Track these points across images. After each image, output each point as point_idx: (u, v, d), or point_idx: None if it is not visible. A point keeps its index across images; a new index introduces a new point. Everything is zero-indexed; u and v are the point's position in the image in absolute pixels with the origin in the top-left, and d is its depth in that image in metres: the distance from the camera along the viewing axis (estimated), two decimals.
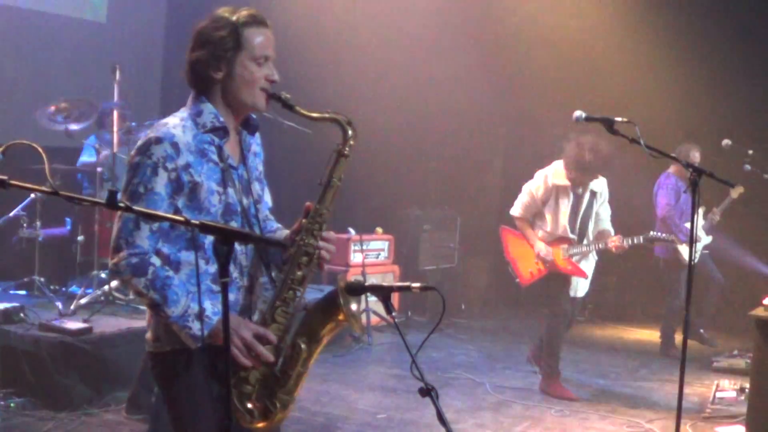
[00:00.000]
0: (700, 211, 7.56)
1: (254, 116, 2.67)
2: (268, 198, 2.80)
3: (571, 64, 9.14)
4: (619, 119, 3.69)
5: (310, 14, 9.06)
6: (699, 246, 7.47)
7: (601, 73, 8.99)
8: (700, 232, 7.52)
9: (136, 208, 2.04)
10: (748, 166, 7.01)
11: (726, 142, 7.14)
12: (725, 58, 8.77)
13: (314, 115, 2.59)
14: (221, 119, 2.52)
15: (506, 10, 9.06)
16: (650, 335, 8.34)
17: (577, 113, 3.90)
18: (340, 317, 2.54)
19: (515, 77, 9.37)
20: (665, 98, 8.73)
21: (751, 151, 7.04)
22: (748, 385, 5.25)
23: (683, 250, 7.35)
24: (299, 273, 2.55)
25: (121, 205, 1.97)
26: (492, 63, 9.26)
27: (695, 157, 7.22)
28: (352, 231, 7.95)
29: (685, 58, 8.77)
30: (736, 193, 7.35)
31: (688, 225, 7.38)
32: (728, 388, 6.17)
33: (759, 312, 4.86)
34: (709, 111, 8.67)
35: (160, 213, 2.30)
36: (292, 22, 8.83)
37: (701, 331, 7.88)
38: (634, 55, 8.91)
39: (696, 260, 7.44)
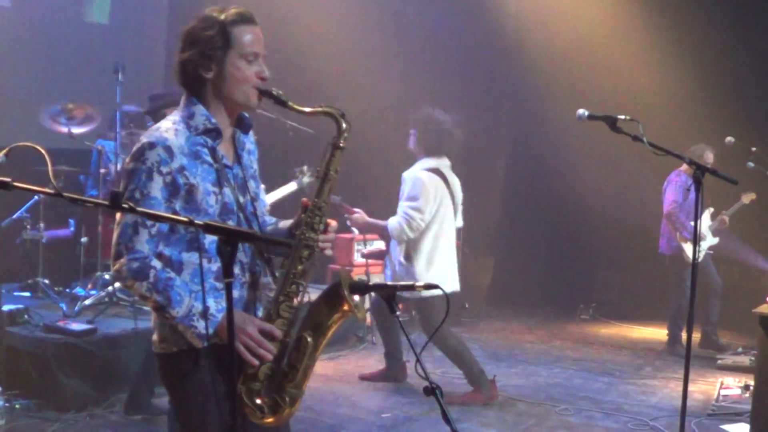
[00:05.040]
0: (708, 211, 7.60)
1: (247, 115, 2.68)
2: (263, 196, 2.81)
3: (574, 63, 9.13)
4: (622, 117, 3.69)
5: (310, 13, 9.08)
6: (704, 245, 7.50)
7: (604, 72, 8.98)
8: (706, 232, 7.56)
9: (139, 209, 2.04)
10: (751, 164, 7.00)
11: (729, 139, 7.14)
12: (728, 55, 8.76)
13: (307, 109, 2.60)
14: (213, 121, 2.53)
15: (508, 8, 9.06)
16: (654, 333, 8.33)
17: (580, 112, 3.90)
18: (345, 308, 2.55)
19: (518, 76, 9.37)
20: (668, 95, 8.72)
21: (754, 149, 7.04)
22: (752, 383, 5.24)
23: (688, 248, 7.37)
24: (300, 267, 2.56)
25: (125, 206, 1.98)
26: (495, 62, 9.26)
27: (708, 158, 7.23)
28: (355, 231, 7.93)
29: (688, 55, 8.76)
30: (747, 199, 7.44)
31: (692, 223, 7.41)
32: (733, 386, 6.17)
33: (763, 309, 4.85)
34: (712, 108, 8.65)
35: (164, 214, 2.32)
36: (291, 20, 8.84)
37: (714, 338, 7.73)
38: (637, 53, 8.90)
39: (699, 259, 7.51)
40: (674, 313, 7.64)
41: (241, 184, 2.62)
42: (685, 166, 7.52)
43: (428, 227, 5.75)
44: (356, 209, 6.04)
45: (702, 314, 7.75)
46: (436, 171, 5.83)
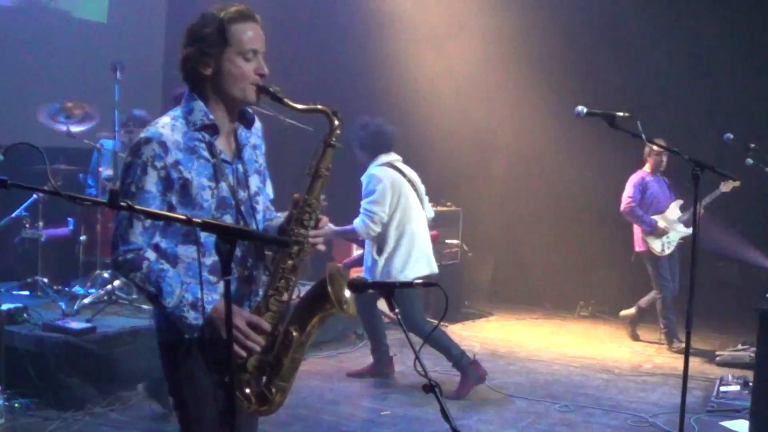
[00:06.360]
0: (676, 204, 7.82)
1: (250, 110, 2.72)
2: (269, 190, 2.85)
3: (572, 60, 9.13)
4: (620, 114, 3.69)
5: (313, 12, 9.09)
6: (672, 237, 7.72)
7: (602, 69, 8.98)
8: (676, 224, 7.74)
9: (137, 207, 2.07)
10: (750, 160, 6.99)
11: (728, 136, 7.14)
12: (726, 52, 8.76)
13: (300, 106, 2.62)
14: (210, 117, 2.57)
15: (508, 6, 9.05)
16: (653, 330, 8.33)
17: (579, 108, 3.90)
18: (328, 305, 2.59)
19: (517, 74, 9.36)
20: (666, 92, 8.72)
21: (753, 145, 7.03)
22: (752, 379, 5.24)
23: (651, 241, 7.67)
24: (290, 262, 2.60)
25: (123, 204, 1.99)
26: (493, 58, 9.26)
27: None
28: None
29: (686, 52, 8.75)
30: (728, 187, 7.41)
31: (654, 217, 7.68)
32: (732, 382, 6.16)
33: (763, 306, 4.85)
34: (711, 105, 8.66)
35: (162, 212, 2.38)
36: (296, 20, 8.86)
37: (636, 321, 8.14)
38: (635, 50, 8.90)
39: (671, 250, 7.72)
40: (662, 308, 7.76)
41: (241, 179, 2.65)
42: (647, 167, 7.83)
43: (391, 218, 5.92)
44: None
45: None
46: (389, 165, 6.04)
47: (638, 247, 7.83)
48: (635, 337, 8.11)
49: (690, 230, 7.72)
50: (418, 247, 5.99)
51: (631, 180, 7.81)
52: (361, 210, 5.93)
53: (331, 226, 6.06)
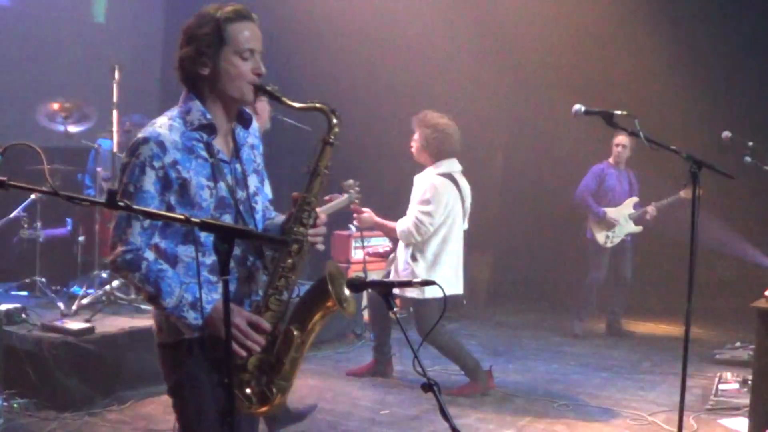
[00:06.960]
0: (632, 200, 7.97)
1: (247, 110, 2.71)
2: (268, 190, 2.85)
3: (570, 60, 9.14)
4: (618, 112, 3.69)
5: (311, 11, 9.08)
6: (618, 231, 7.88)
7: (601, 68, 8.98)
8: (622, 219, 7.89)
9: (135, 207, 2.07)
10: (748, 158, 6.99)
11: (726, 133, 7.14)
12: (725, 50, 8.76)
13: (298, 105, 2.62)
14: (208, 117, 2.57)
15: (506, 5, 9.05)
16: (653, 328, 8.35)
17: (576, 107, 3.90)
18: (329, 303, 2.59)
19: (516, 70, 9.36)
20: (664, 89, 8.72)
21: (751, 143, 7.03)
22: (750, 377, 5.25)
23: (596, 231, 7.90)
24: (290, 261, 2.60)
25: (121, 204, 1.99)
26: (492, 58, 9.25)
27: (620, 140, 7.82)
28: (353, 228, 7.93)
29: (685, 50, 8.75)
30: (688, 194, 7.43)
31: (606, 209, 7.85)
32: (731, 380, 6.17)
33: (761, 304, 4.85)
34: (710, 102, 8.66)
35: (160, 212, 2.37)
36: (292, 19, 8.85)
37: (617, 326, 8.20)
38: (634, 49, 8.91)
39: (614, 245, 7.90)
40: (587, 291, 8.02)
41: (239, 178, 2.65)
42: (611, 158, 7.99)
43: (437, 231, 5.80)
44: (365, 209, 6.04)
45: (607, 302, 8.25)
46: (449, 176, 5.88)
47: (589, 235, 8.00)
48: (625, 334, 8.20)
49: (638, 228, 7.95)
50: (451, 265, 5.88)
51: (592, 169, 7.99)
52: (411, 215, 5.79)
53: (373, 216, 6.03)
